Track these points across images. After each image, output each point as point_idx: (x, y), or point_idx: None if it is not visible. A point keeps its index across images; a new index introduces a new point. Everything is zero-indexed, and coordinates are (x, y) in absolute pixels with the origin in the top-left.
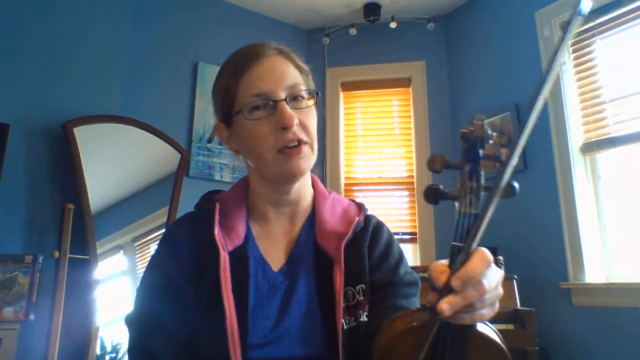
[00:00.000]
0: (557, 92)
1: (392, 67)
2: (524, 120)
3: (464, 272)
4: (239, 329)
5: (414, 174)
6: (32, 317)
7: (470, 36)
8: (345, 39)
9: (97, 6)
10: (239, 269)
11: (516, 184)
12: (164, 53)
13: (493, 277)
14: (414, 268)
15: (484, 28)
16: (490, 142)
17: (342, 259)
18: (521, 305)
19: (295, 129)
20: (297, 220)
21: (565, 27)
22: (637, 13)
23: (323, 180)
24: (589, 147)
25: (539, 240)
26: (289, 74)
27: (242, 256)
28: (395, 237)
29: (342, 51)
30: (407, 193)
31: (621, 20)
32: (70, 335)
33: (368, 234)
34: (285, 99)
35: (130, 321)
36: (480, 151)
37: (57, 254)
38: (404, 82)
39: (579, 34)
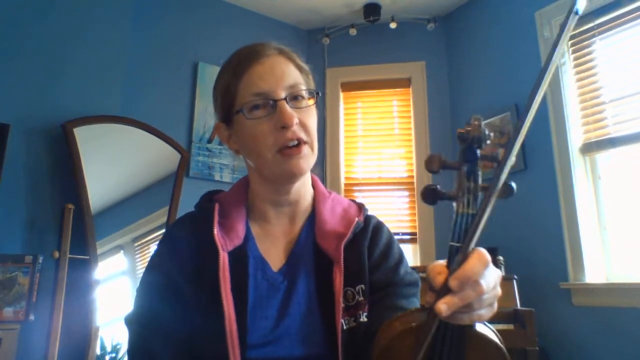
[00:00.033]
0: (557, 92)
1: (392, 67)
2: (521, 119)
3: (462, 273)
4: (238, 329)
5: (414, 174)
6: (32, 317)
7: (470, 36)
8: (345, 39)
9: (97, 6)
10: (238, 269)
11: (514, 184)
12: (164, 53)
13: (491, 277)
14: (414, 268)
15: (484, 28)
16: (488, 142)
17: (342, 259)
18: (521, 305)
19: (295, 128)
20: (297, 220)
21: (562, 26)
22: (637, 13)
23: (323, 180)
24: (589, 148)
25: (539, 240)
26: (289, 74)
27: (242, 256)
28: (395, 237)
29: (342, 51)
30: (407, 193)
31: (621, 20)
32: (70, 335)
33: (368, 234)
34: (285, 99)
35: (130, 321)
36: (478, 151)
37: (57, 254)
38: (404, 82)
39: (579, 34)
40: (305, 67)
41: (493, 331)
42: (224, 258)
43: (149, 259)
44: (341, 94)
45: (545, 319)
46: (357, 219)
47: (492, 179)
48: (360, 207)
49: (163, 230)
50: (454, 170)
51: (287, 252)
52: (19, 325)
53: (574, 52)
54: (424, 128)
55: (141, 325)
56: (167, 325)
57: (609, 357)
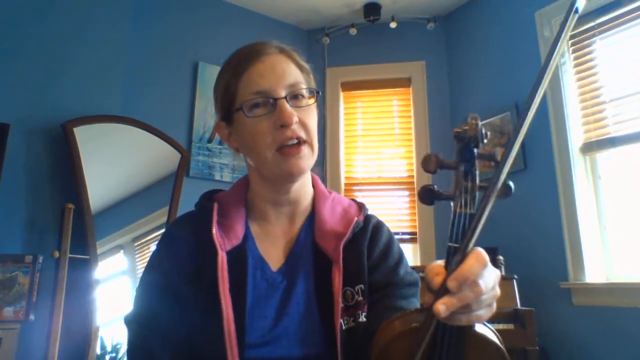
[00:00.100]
0: (557, 91)
1: (392, 67)
2: (521, 119)
3: (460, 273)
4: (236, 329)
5: (414, 174)
6: (32, 317)
7: (470, 36)
8: (346, 39)
9: (97, 6)
10: (236, 269)
11: (512, 184)
12: (164, 53)
13: (490, 278)
14: (414, 268)
15: (484, 28)
16: (485, 141)
17: (341, 259)
18: (521, 305)
19: (295, 127)
20: (297, 220)
21: (561, 24)
22: (637, 13)
23: (323, 180)
24: (589, 147)
25: (539, 240)
26: (289, 73)
27: (241, 256)
28: (395, 237)
29: (342, 51)
30: (407, 193)
31: (621, 20)
32: (70, 335)
33: (367, 234)
34: (286, 97)
35: (130, 321)
36: (475, 150)
37: (57, 254)
38: (404, 82)
39: (579, 33)
40: (306, 66)
41: (493, 331)
42: (222, 258)
43: (148, 258)
44: (341, 94)
45: (545, 318)
46: (356, 218)
47: (491, 179)
48: (361, 206)
49: (163, 230)
50: (452, 170)
51: (287, 251)
52: (19, 325)
53: (574, 51)
54: (424, 128)
55: (140, 325)
56: (166, 325)
57: (609, 357)
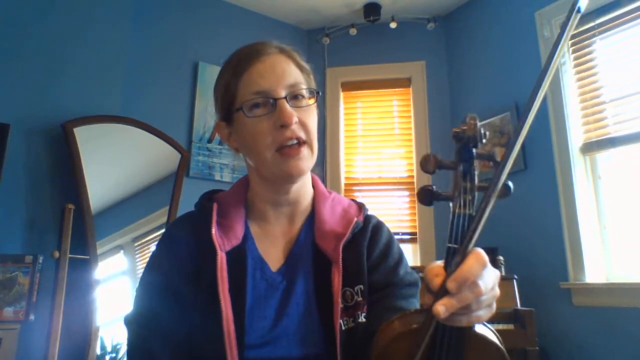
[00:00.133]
0: (557, 92)
1: (392, 67)
2: (522, 119)
3: (459, 274)
4: (236, 329)
5: (414, 174)
6: (32, 317)
7: (470, 36)
8: (346, 39)
9: (97, 6)
10: (236, 269)
11: (511, 184)
12: (164, 53)
13: (489, 278)
14: (414, 268)
15: (484, 28)
16: (484, 141)
17: (340, 260)
18: (521, 305)
19: (295, 127)
20: (297, 220)
21: (563, 24)
22: (637, 13)
23: (323, 180)
24: (589, 147)
25: (539, 240)
26: (289, 73)
27: (240, 256)
28: (395, 237)
29: (342, 51)
30: (407, 193)
31: (621, 20)
32: (70, 335)
33: (367, 234)
34: (286, 97)
35: (130, 321)
36: (474, 150)
37: (57, 254)
38: (404, 82)
39: (579, 33)
40: (306, 66)
41: (493, 331)
42: (221, 258)
43: (148, 258)
44: (341, 94)
45: (545, 319)
46: (356, 219)
47: (491, 180)
48: (361, 207)
49: (163, 230)
50: (451, 170)
51: (286, 252)
52: (19, 325)
53: (574, 52)
54: (424, 128)
55: (140, 326)
56: (166, 325)
57: (609, 357)
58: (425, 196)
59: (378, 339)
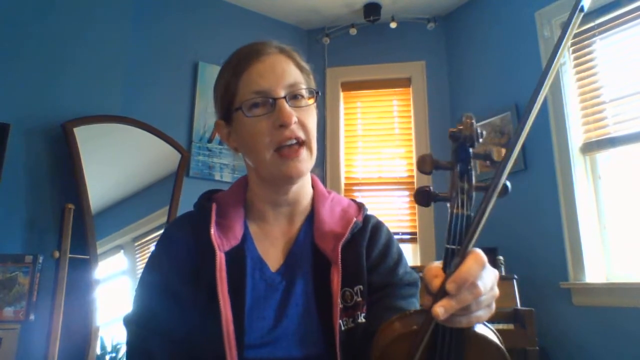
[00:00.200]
0: (557, 92)
1: (392, 67)
2: (523, 118)
3: (459, 275)
4: (235, 330)
5: (414, 174)
6: (32, 317)
7: (470, 36)
8: (346, 39)
9: (97, 6)
10: (235, 269)
11: (508, 183)
12: (164, 53)
13: (488, 279)
14: (413, 268)
15: (484, 28)
16: (480, 140)
17: (339, 260)
18: (521, 305)
19: (294, 127)
20: (296, 221)
21: (566, 23)
22: (637, 13)
23: (323, 180)
24: (589, 147)
25: (539, 240)
26: (289, 73)
27: (239, 256)
28: (395, 237)
29: (342, 51)
30: (407, 193)
31: (621, 20)
32: (70, 335)
33: (366, 235)
34: (285, 97)
35: (129, 322)
36: (471, 150)
37: (57, 254)
38: (404, 82)
39: (579, 33)
40: (306, 66)
41: (493, 331)
42: (220, 258)
43: (147, 258)
44: (341, 94)
45: (545, 319)
46: (355, 219)
47: (490, 182)
48: (360, 206)
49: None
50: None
51: (286, 252)
52: (19, 325)
53: (574, 52)
54: (424, 128)
55: (139, 326)
56: (165, 325)
57: (609, 357)
58: (423, 197)
59: (378, 339)
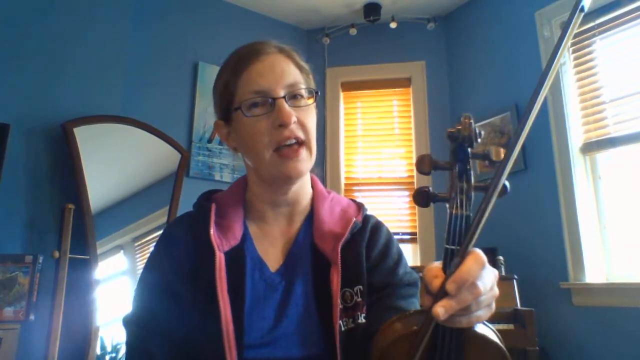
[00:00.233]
0: (557, 92)
1: (392, 67)
2: (523, 119)
3: (459, 276)
4: (235, 330)
5: (414, 174)
6: (32, 317)
7: (470, 36)
8: (346, 39)
9: (97, 6)
10: (234, 270)
11: (507, 183)
12: (164, 53)
13: (488, 279)
14: (413, 268)
15: (484, 28)
16: (479, 140)
17: (339, 260)
18: (521, 305)
19: (293, 127)
20: (295, 221)
21: (567, 23)
22: (637, 13)
23: (323, 180)
24: (589, 147)
25: (539, 240)
26: (289, 72)
27: (239, 256)
28: (395, 237)
29: (342, 51)
30: (407, 193)
31: (621, 20)
32: (70, 335)
33: (366, 235)
34: (284, 97)
35: (129, 322)
36: (469, 150)
37: (57, 254)
38: (404, 82)
39: (579, 34)
40: (306, 66)
41: (493, 331)
42: (220, 258)
43: (147, 258)
44: (341, 94)
45: (545, 319)
46: (354, 219)
47: (489, 182)
48: (360, 206)
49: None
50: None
51: (285, 252)
52: (19, 325)
53: (574, 52)
54: (424, 128)
55: (139, 326)
56: (165, 325)
57: (609, 357)
58: (422, 198)
59: (378, 340)
